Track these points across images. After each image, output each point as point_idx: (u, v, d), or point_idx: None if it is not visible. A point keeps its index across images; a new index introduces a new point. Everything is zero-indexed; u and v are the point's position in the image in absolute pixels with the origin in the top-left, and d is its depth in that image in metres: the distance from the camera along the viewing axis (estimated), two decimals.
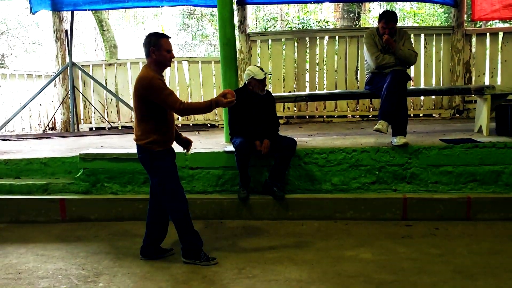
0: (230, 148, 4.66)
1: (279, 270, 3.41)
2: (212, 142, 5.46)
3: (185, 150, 3.91)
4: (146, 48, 3.42)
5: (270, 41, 7.36)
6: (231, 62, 5.10)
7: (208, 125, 7.43)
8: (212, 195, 4.71)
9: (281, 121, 6.99)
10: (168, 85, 6.94)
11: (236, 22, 6.82)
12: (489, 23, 10.21)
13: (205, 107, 3.47)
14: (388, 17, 4.93)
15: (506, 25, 8.94)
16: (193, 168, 4.77)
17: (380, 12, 5.18)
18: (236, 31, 6.59)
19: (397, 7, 12.93)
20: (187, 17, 15.58)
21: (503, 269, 3.32)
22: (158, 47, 3.38)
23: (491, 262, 3.44)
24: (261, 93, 4.54)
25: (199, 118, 7.51)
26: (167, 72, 7.55)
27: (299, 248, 3.81)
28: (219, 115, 7.34)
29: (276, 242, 3.96)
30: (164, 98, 3.33)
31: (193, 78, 7.50)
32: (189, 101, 7.48)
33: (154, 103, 3.35)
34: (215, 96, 3.71)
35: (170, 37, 3.50)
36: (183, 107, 3.36)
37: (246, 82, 4.55)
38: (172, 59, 3.52)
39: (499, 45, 7.01)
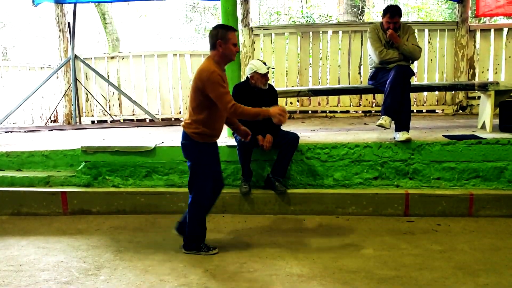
0: (233, 142, 4.65)
1: (281, 265, 3.41)
2: None
3: (243, 139, 3.86)
4: (213, 40, 3.39)
5: (273, 35, 7.33)
6: None
7: None
8: None
9: None
10: (170, 79, 6.88)
11: (239, 16, 6.80)
12: (493, 19, 10.12)
13: (254, 113, 3.38)
14: (392, 11, 4.89)
15: (511, 21, 8.86)
16: None
17: (384, 7, 5.14)
18: (239, 25, 6.57)
19: (401, 1, 12.87)
20: (190, 10, 15.53)
21: (504, 265, 3.31)
22: (225, 40, 3.36)
23: (493, 258, 3.43)
24: (264, 87, 4.52)
25: None
26: (169, 65, 7.54)
27: (301, 243, 3.81)
28: None
29: (277, 237, 3.95)
30: (218, 94, 3.29)
31: (195, 71, 7.46)
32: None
33: (209, 97, 3.33)
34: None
35: (237, 31, 3.48)
36: (234, 108, 3.30)
37: (249, 76, 4.53)
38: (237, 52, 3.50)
39: (503, 41, 6.97)
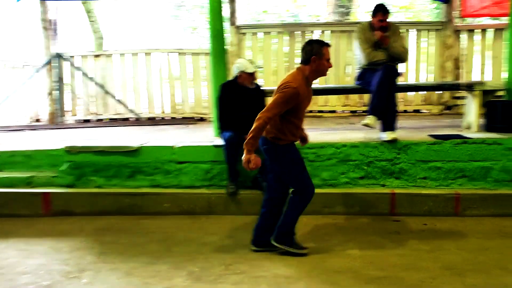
0: (219, 142, 4.59)
1: (267, 266, 3.36)
2: (201, 136, 5.40)
3: (301, 143, 3.83)
4: (307, 55, 3.36)
5: (260, 34, 7.29)
6: (220, 54, 5.03)
7: (198, 118, 7.35)
8: (200, 189, 4.65)
9: None
10: (156, 77, 6.76)
11: (227, 15, 6.75)
12: (478, 20, 10.21)
13: (252, 138, 3.25)
14: (384, 10, 4.87)
15: (496, 22, 8.95)
16: (180, 162, 4.70)
17: (374, 6, 5.08)
18: (227, 24, 6.53)
19: (388, 1, 12.90)
20: (178, 8, 15.42)
21: (491, 265, 3.31)
22: (320, 56, 3.35)
23: (480, 258, 3.43)
24: (251, 86, 4.49)
25: (188, 111, 7.42)
26: (156, 64, 7.45)
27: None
28: (209, 108, 7.27)
29: None
30: (274, 105, 3.26)
31: (182, 70, 7.40)
32: (179, 94, 7.40)
33: (290, 108, 3.31)
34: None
35: (330, 46, 3.46)
36: (262, 121, 3.23)
37: (236, 75, 4.49)
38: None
39: (489, 42, 7.02)
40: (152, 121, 7.25)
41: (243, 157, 3.29)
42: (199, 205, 4.53)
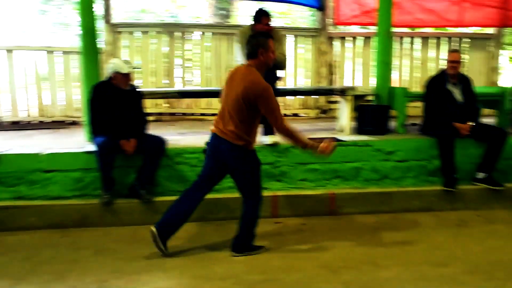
0: (91, 147, 4.26)
1: (147, 279, 3.19)
2: (71, 141, 4.98)
3: None
4: (254, 49, 3.40)
5: (138, 33, 6.98)
6: (92, 53, 4.70)
7: (69, 121, 6.81)
8: (71, 200, 4.27)
9: (151, 118, 6.67)
10: (20, 78, 6.09)
11: (101, 12, 6.35)
12: (350, 28, 10.94)
13: (300, 141, 3.45)
14: (268, 14, 4.90)
15: (366, 30, 9.66)
16: (48, 171, 4.28)
17: (253, 11, 5.09)
18: (101, 21, 6.14)
19: (267, 7, 13.29)
20: (45, 2, 14.21)
21: (363, 261, 3.49)
22: (266, 48, 3.40)
23: (353, 255, 3.61)
24: (126, 88, 4.25)
25: (58, 114, 6.82)
26: (19, 63, 6.73)
27: (169, 253, 3.61)
28: (81, 111, 6.76)
29: (143, 249, 3.66)
30: (273, 109, 3.36)
31: (51, 70, 6.79)
32: (48, 96, 6.79)
33: (258, 110, 3.36)
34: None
35: (273, 38, 3.53)
36: (285, 126, 3.41)
37: (110, 76, 4.22)
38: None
39: (359, 49, 7.53)
40: (16, 126, 6.55)
41: (320, 148, 3.41)
42: (71, 218, 4.16)
